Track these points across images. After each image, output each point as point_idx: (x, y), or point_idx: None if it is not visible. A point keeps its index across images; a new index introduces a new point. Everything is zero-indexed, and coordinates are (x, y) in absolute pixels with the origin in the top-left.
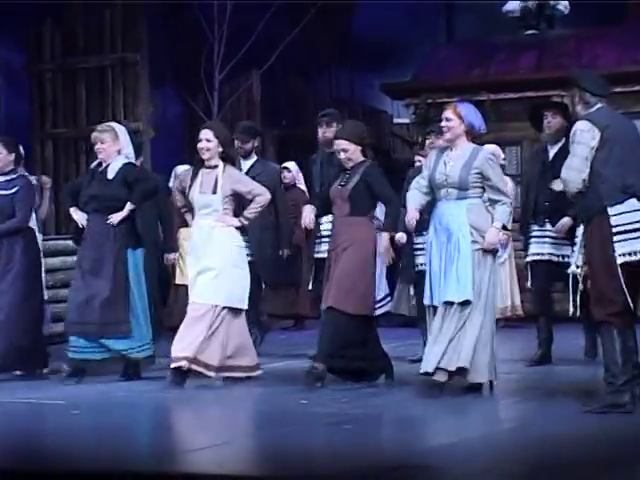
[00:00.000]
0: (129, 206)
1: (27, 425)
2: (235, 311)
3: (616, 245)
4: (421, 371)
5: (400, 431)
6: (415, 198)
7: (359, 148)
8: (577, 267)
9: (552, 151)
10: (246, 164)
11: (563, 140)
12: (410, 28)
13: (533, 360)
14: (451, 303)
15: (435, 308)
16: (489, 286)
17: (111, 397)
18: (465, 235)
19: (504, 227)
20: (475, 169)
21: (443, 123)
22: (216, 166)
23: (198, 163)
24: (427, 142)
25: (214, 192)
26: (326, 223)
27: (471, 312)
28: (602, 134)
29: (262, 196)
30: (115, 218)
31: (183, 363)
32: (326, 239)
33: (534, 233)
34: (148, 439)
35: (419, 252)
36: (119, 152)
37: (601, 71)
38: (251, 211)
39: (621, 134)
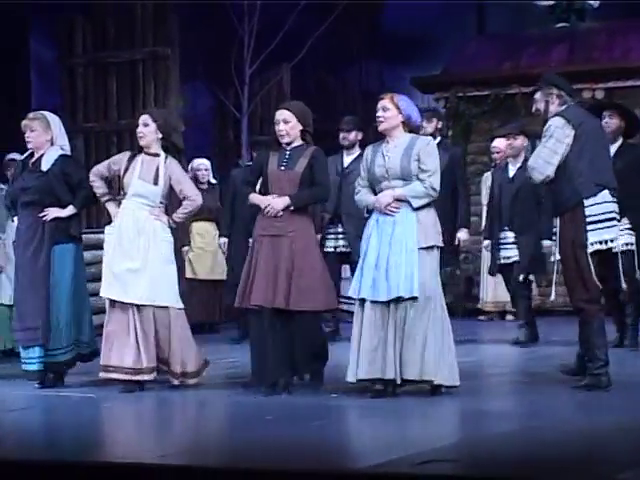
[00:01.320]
0: (71, 210)
1: (64, 417)
2: (171, 311)
3: (589, 234)
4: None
5: (429, 424)
6: (367, 194)
7: (300, 127)
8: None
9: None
10: (348, 157)
11: (620, 140)
12: (440, 21)
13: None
14: (396, 299)
15: (364, 302)
16: (433, 282)
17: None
18: (411, 229)
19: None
20: (415, 156)
21: (379, 113)
22: (157, 155)
23: (137, 149)
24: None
25: (155, 183)
26: None
27: (423, 311)
28: (576, 131)
29: (192, 200)
30: (52, 214)
31: (116, 375)
32: None
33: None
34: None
35: (503, 246)
36: (51, 142)
37: (632, 64)
38: (180, 215)
39: (592, 131)
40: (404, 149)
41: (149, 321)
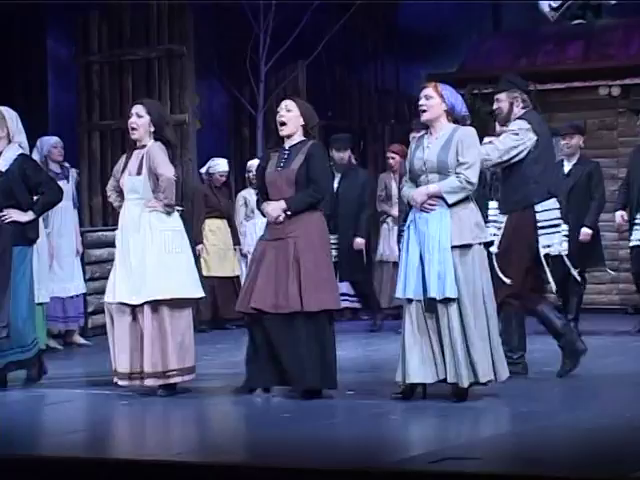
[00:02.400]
0: (30, 216)
1: (84, 415)
2: (175, 305)
3: (540, 238)
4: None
5: (447, 423)
6: (409, 189)
7: (301, 122)
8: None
9: None
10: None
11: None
12: (456, 18)
13: None
14: (434, 300)
15: (410, 301)
16: (476, 281)
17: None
18: (445, 227)
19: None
20: (454, 148)
21: (422, 102)
22: (145, 146)
23: (131, 147)
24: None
25: (138, 173)
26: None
27: (463, 312)
28: (537, 138)
29: (162, 175)
30: (11, 217)
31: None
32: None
33: (637, 221)
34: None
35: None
36: (9, 140)
37: None
38: (160, 197)
39: (547, 140)
40: (444, 141)
41: (149, 318)
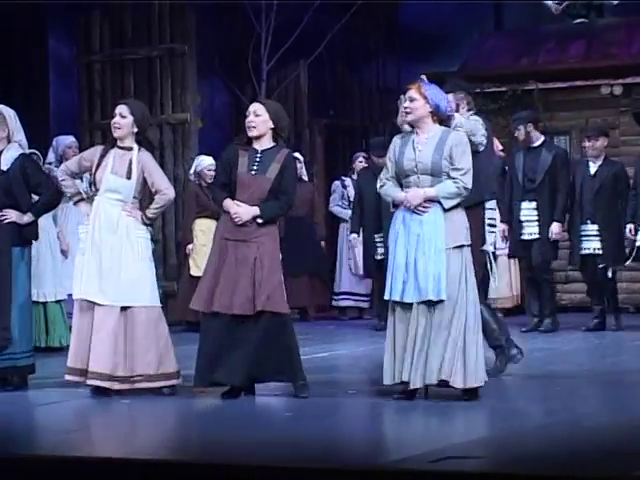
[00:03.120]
0: (29, 217)
1: (84, 414)
2: (154, 310)
3: (487, 235)
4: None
5: (450, 422)
6: (394, 187)
7: (270, 125)
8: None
9: None
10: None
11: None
12: (458, 17)
13: None
14: (425, 302)
15: (397, 304)
16: (464, 283)
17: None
18: (440, 229)
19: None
20: (447, 152)
21: (406, 104)
22: (130, 148)
23: (108, 143)
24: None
25: (128, 177)
26: None
27: (453, 313)
28: (487, 136)
29: (164, 194)
30: (11, 217)
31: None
32: None
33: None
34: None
35: (585, 238)
36: (8, 139)
37: None
38: (152, 210)
39: (488, 140)
40: (436, 143)
41: (122, 322)
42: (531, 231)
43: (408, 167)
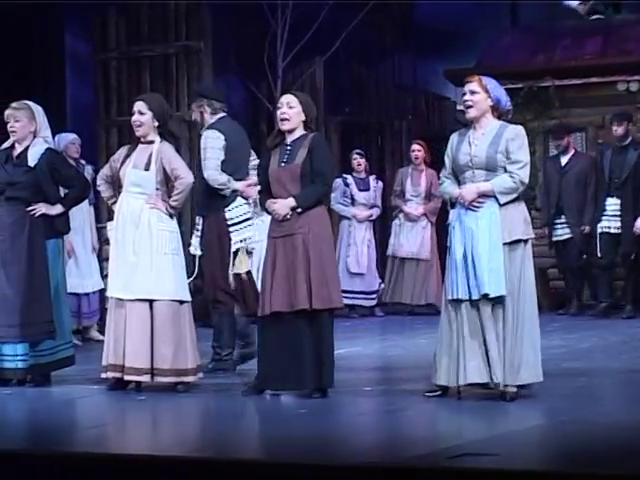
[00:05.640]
0: (59, 209)
1: (101, 411)
2: (173, 305)
3: (232, 235)
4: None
5: (464, 418)
6: (451, 185)
7: (302, 117)
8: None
9: None
10: None
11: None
12: (474, 13)
13: None
14: (484, 298)
15: (458, 302)
16: (522, 278)
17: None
18: (496, 224)
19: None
20: (503, 146)
21: (467, 97)
22: (152, 142)
23: (134, 141)
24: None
25: (147, 169)
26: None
27: (509, 309)
28: (226, 141)
29: (183, 179)
30: (41, 210)
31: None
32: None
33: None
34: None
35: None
36: (34, 134)
37: None
38: (174, 198)
39: (236, 140)
40: (492, 137)
41: (148, 316)
42: (616, 225)
43: (463, 162)
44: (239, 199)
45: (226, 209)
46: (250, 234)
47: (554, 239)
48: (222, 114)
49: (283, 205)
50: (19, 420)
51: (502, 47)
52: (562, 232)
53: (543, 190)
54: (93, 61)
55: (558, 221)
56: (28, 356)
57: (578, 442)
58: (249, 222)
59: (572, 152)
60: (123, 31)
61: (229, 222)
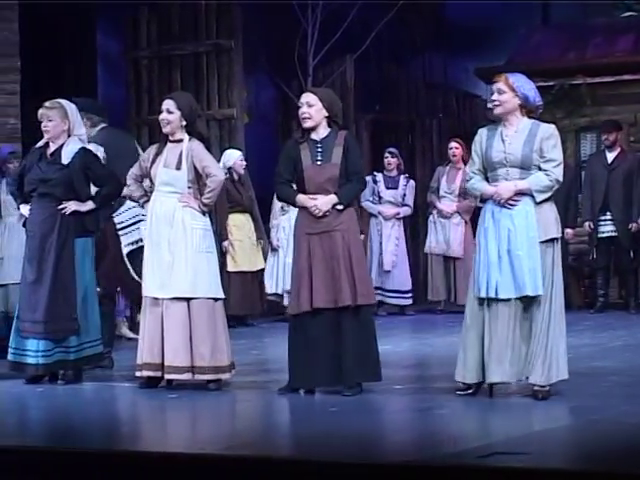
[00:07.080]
0: (90, 206)
1: (131, 409)
2: (209, 302)
3: (122, 238)
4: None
5: (494, 417)
6: (481, 181)
7: (325, 113)
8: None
9: None
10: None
11: (618, 149)
12: (505, 11)
13: None
14: (522, 297)
15: (489, 301)
16: (553, 277)
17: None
18: (532, 222)
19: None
20: (537, 145)
21: (494, 96)
22: (181, 140)
23: (162, 140)
24: None
25: (178, 168)
26: None
27: (541, 307)
28: (106, 152)
29: (215, 177)
30: (74, 207)
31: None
32: None
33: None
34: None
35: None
36: (68, 133)
37: None
38: (206, 195)
39: (120, 147)
40: (526, 136)
41: (186, 314)
42: None
43: (497, 159)
44: (128, 202)
45: (114, 214)
46: (141, 236)
47: (599, 236)
48: (101, 125)
49: (325, 202)
50: (62, 417)
51: (533, 45)
52: (607, 229)
53: (587, 186)
54: (124, 60)
55: (602, 218)
56: (51, 352)
57: (609, 441)
58: (139, 225)
59: (619, 149)
60: (154, 30)
61: (118, 226)
